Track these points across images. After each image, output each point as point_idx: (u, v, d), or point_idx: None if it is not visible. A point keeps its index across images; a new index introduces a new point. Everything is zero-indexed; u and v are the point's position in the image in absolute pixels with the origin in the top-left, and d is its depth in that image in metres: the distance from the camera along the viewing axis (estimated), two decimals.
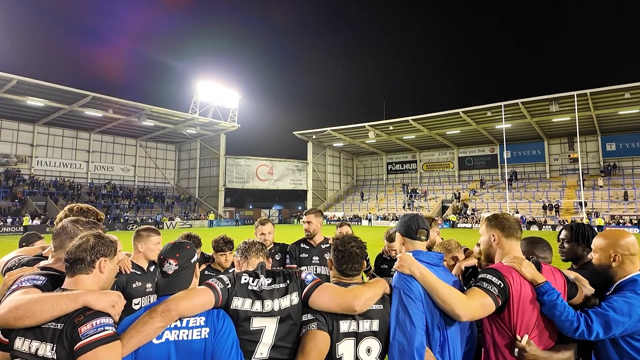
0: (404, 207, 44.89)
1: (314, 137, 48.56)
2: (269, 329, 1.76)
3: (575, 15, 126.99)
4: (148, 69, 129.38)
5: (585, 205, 32.80)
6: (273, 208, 63.31)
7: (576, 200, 33.90)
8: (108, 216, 36.20)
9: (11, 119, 35.74)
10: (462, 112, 36.55)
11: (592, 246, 2.07)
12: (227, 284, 1.76)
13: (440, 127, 41.92)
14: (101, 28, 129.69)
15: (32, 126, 37.32)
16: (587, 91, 30.17)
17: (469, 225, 35.96)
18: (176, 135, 45.92)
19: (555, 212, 34.26)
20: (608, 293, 1.95)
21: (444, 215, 39.57)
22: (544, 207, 35.18)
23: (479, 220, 35.66)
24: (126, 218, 37.27)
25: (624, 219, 30.55)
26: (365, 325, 1.80)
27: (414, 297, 1.78)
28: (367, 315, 1.81)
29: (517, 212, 35.16)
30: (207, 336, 1.60)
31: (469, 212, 38.71)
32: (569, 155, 40.54)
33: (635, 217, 30.48)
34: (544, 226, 32.17)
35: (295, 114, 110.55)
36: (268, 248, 2.58)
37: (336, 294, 1.80)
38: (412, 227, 1.99)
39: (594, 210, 33.43)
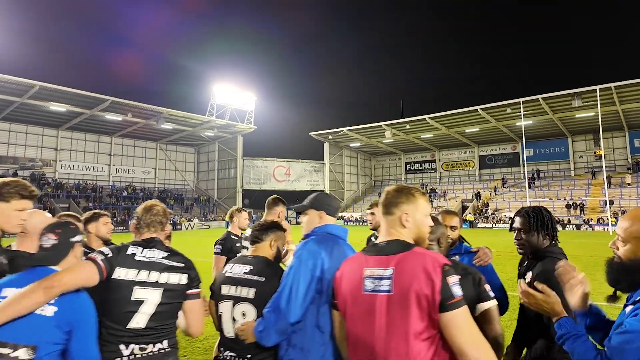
0: None
1: (330, 137, 48.47)
2: (151, 299, 1.80)
3: (597, 6, 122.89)
4: (166, 72, 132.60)
5: (612, 203, 31.53)
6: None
7: (602, 199, 32.58)
8: (128, 217, 37.12)
9: (36, 124, 37.10)
10: (480, 109, 35.77)
11: (618, 231, 1.44)
12: (108, 255, 1.79)
13: (459, 125, 41.11)
14: (120, 33, 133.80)
15: (56, 131, 38.64)
16: (611, 85, 29.03)
17: (489, 225, 35.12)
18: (195, 138, 46.67)
19: (580, 211, 33.08)
20: (637, 299, 1.33)
21: (463, 215, 38.77)
22: (568, 206, 34.02)
23: (500, 220, 34.92)
24: None
25: None
26: (243, 292, 1.93)
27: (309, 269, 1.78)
28: (246, 283, 1.95)
29: None
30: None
31: (489, 212, 37.78)
32: (595, 152, 39.08)
33: None
34: (567, 225, 31.08)
35: (311, 114, 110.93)
36: None
37: None
38: (334, 205, 2.03)
39: (621, 208, 32.09)
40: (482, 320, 1.66)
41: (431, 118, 38.99)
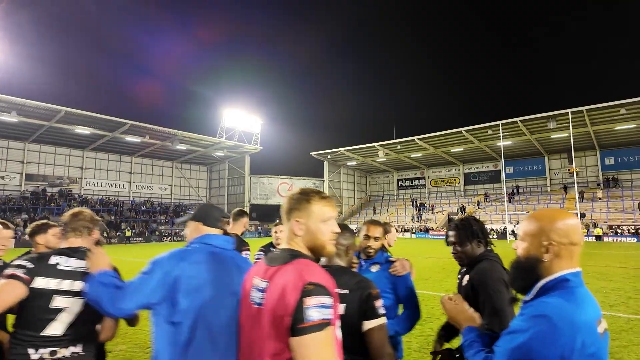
0: (412, 219, 44.18)
1: (329, 157, 48.76)
2: (72, 308, 1.68)
3: (573, 36, 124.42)
4: (180, 98, 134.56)
5: (584, 216, 31.42)
6: None
7: (575, 212, 32.51)
8: (146, 229, 37.22)
9: (64, 146, 37.58)
10: (464, 130, 36.06)
11: (519, 232, 1.31)
12: (28, 266, 1.66)
13: (445, 146, 41.38)
14: (139, 62, 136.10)
15: (82, 152, 39.10)
16: (583, 108, 29.29)
17: None
18: (207, 158, 47.03)
19: None
20: (527, 298, 1.22)
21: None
22: None
23: None
24: (162, 231, 38.11)
25: (621, 229, 29.06)
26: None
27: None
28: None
29: (518, 223, 33.90)
30: None
31: None
32: (569, 170, 39.12)
33: (632, 227, 28.92)
34: None
35: (312, 136, 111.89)
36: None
37: None
38: (214, 216, 1.72)
39: (592, 220, 31.95)
40: (367, 340, 1.50)
41: (420, 139, 39.28)
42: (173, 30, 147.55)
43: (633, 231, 28.36)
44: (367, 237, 2.24)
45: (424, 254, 18.39)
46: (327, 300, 1.09)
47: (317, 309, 1.06)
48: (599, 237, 28.26)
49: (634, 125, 31.06)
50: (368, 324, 1.51)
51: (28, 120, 29.22)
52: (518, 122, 32.52)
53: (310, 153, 49.26)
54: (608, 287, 8.50)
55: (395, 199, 52.76)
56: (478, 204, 42.26)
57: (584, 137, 34.88)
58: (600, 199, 35.11)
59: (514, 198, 40.70)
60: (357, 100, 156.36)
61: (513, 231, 31.77)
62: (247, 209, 45.68)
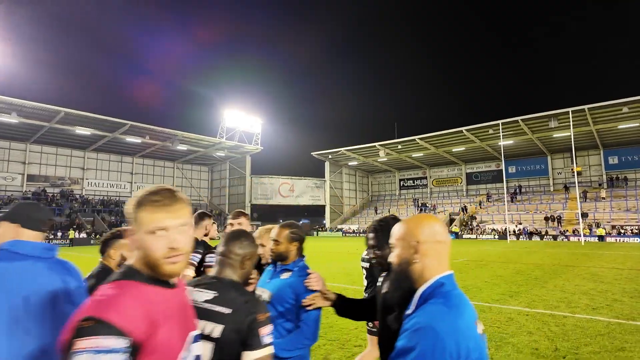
0: None
1: (330, 157, 48.67)
2: None
3: (573, 36, 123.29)
4: (181, 98, 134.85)
5: (587, 216, 31.03)
6: (301, 222, 63.54)
7: (578, 211, 32.13)
8: None
9: (65, 147, 37.82)
10: (465, 130, 35.80)
11: (391, 241, 1.26)
12: None
13: (446, 145, 41.09)
14: (139, 62, 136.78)
15: (83, 152, 39.35)
16: (585, 107, 28.88)
17: (473, 236, 34.66)
18: (208, 158, 47.12)
19: (558, 223, 32.51)
20: (409, 312, 1.13)
21: (450, 227, 38.34)
22: (546, 219, 33.48)
23: (484, 232, 34.42)
24: None
25: (625, 229, 28.62)
26: None
27: None
28: None
29: (520, 223, 33.61)
30: None
31: (474, 224, 37.30)
32: (572, 169, 38.63)
33: (636, 227, 28.46)
34: (545, 236, 30.55)
35: (313, 136, 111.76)
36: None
37: None
38: (36, 216, 1.50)
39: (595, 220, 31.51)
40: None
41: (420, 139, 39.04)
42: (173, 30, 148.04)
43: (637, 231, 27.91)
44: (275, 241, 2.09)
45: None
46: (107, 342, 0.82)
47: (88, 354, 0.79)
48: (601, 238, 27.86)
49: (637, 124, 30.60)
50: (248, 355, 1.24)
51: (28, 121, 29.44)
52: (519, 121, 32.19)
53: (312, 153, 49.21)
54: (596, 289, 8.31)
55: (397, 199, 52.45)
56: (480, 204, 41.93)
57: (587, 136, 34.46)
58: (603, 198, 34.64)
59: (516, 198, 40.30)
60: (358, 100, 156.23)
61: (515, 231, 31.46)
62: (248, 209, 46.20)
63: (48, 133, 33.23)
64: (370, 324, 3.33)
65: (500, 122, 32.26)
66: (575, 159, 37.58)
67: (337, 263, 14.56)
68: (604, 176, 37.60)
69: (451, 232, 35.71)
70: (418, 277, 1.16)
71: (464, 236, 35.29)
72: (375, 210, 49.99)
